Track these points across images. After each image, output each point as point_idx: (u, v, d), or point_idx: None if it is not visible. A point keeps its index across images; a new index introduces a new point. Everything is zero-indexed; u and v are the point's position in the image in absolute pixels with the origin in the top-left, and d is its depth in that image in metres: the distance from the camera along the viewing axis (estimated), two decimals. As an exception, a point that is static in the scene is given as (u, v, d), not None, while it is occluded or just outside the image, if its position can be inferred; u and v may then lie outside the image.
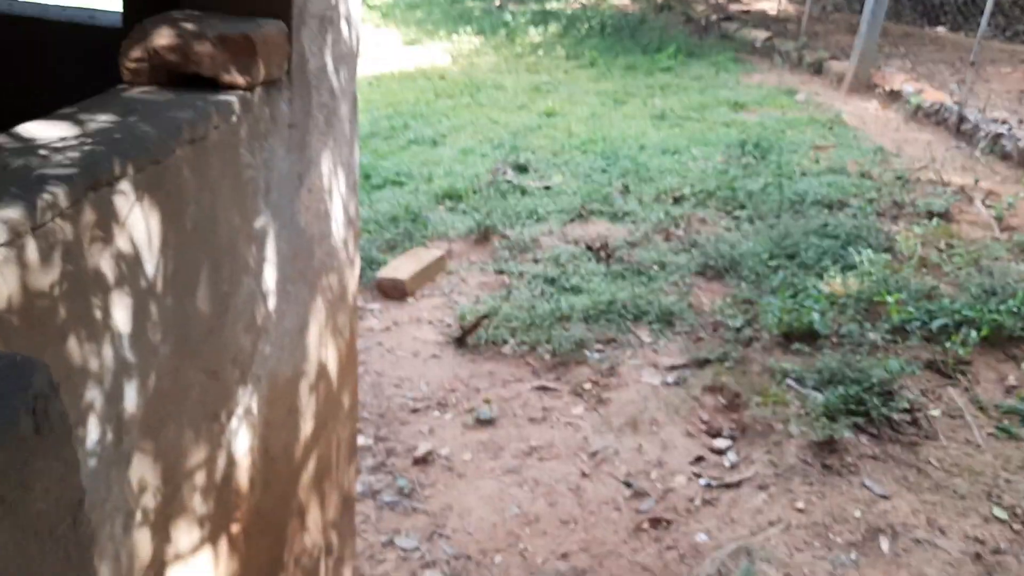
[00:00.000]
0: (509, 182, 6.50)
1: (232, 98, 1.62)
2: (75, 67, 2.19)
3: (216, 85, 1.66)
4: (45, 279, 1.11)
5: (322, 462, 2.27)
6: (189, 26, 1.67)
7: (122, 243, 1.28)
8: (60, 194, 1.14)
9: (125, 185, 1.28)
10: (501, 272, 5.16)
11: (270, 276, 1.83)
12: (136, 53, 1.62)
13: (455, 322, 4.56)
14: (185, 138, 1.45)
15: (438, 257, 5.19)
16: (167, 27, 1.65)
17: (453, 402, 3.93)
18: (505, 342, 4.37)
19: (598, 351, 4.26)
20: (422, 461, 3.50)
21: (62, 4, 2.24)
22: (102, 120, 1.43)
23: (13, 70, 2.23)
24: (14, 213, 1.06)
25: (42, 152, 1.27)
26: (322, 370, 2.19)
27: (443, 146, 7.46)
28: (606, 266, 5.13)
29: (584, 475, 3.39)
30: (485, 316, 4.47)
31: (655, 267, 5.08)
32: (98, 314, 1.23)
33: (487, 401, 3.88)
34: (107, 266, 1.25)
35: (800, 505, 3.15)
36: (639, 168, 6.70)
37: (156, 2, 1.98)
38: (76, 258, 1.18)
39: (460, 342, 4.40)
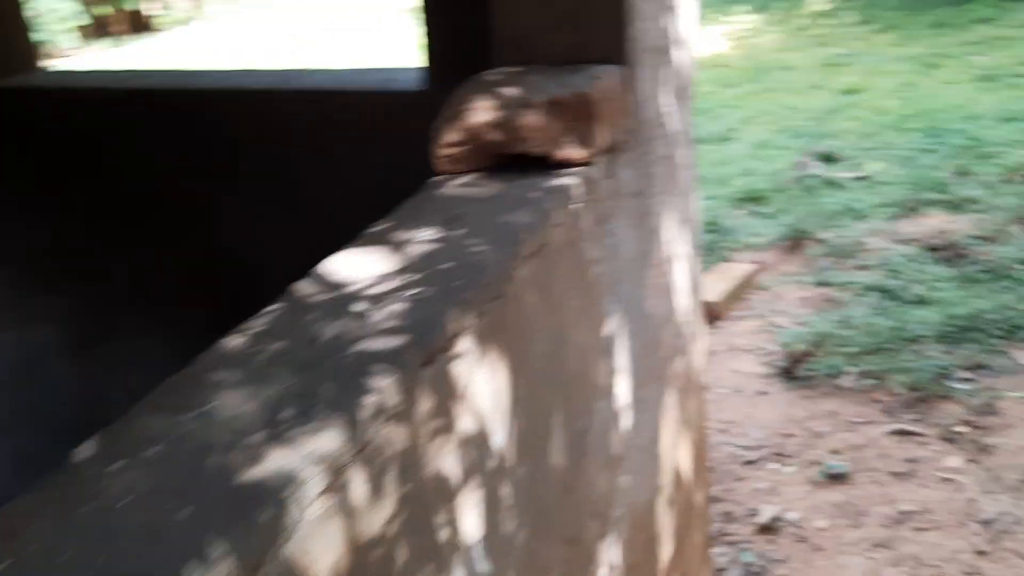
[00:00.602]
0: (816, 176, 5.80)
1: (572, 181, 1.24)
2: (375, 138, 1.95)
3: (547, 162, 1.30)
4: (376, 519, 0.78)
5: (681, 582, 1.87)
6: (510, 91, 1.31)
7: (464, 423, 0.94)
8: (389, 389, 0.81)
9: (465, 343, 0.93)
10: (823, 284, 4.51)
11: (622, 389, 1.45)
12: (451, 137, 1.29)
13: (778, 349, 4.00)
14: (525, 252, 1.09)
15: (749, 272, 4.64)
16: (484, 97, 1.30)
17: (792, 451, 3.40)
18: (842, 372, 3.76)
19: (965, 380, 3.54)
20: (768, 529, 3.00)
21: (357, 68, 2.02)
22: (422, 238, 1.10)
23: (315, 150, 2.03)
24: (334, 441, 0.74)
25: (357, 307, 0.95)
26: (677, 478, 1.78)
27: (734, 141, 6.85)
28: (955, 269, 4.34)
29: (980, 553, 2.74)
30: (816, 344, 3.88)
31: (1021, 267, 4.21)
32: (443, 534, 0.89)
33: (835, 451, 3.31)
34: (449, 464, 0.90)
35: None
36: (974, 143, 5.74)
37: (463, 52, 1.67)
38: (411, 471, 0.84)
39: (788, 374, 3.84)
